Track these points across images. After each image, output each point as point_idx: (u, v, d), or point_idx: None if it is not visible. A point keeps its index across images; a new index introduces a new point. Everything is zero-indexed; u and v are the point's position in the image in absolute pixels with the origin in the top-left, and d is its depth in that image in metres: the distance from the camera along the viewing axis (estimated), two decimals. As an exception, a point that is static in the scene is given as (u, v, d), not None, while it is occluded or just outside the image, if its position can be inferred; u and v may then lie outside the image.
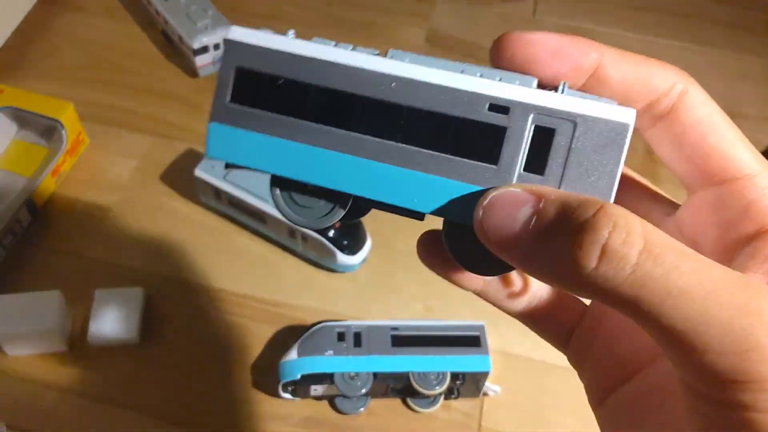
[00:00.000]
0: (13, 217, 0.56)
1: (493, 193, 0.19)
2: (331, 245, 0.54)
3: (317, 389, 0.49)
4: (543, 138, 0.19)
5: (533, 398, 0.51)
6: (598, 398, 0.24)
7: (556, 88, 0.20)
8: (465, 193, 0.20)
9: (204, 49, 0.68)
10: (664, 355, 0.21)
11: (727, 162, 0.20)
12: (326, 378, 0.48)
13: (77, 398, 0.50)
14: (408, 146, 0.20)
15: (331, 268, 0.57)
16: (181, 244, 0.59)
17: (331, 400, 0.51)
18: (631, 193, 0.23)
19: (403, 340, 0.49)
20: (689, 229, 0.21)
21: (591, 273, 0.16)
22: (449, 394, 0.50)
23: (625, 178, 0.22)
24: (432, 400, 0.51)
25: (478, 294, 0.25)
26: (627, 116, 0.19)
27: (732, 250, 0.20)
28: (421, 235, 0.23)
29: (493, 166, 0.19)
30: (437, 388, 0.48)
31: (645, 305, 0.16)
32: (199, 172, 0.57)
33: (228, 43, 0.21)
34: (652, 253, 0.16)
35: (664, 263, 0.16)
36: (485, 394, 0.51)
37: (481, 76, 0.20)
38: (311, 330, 0.50)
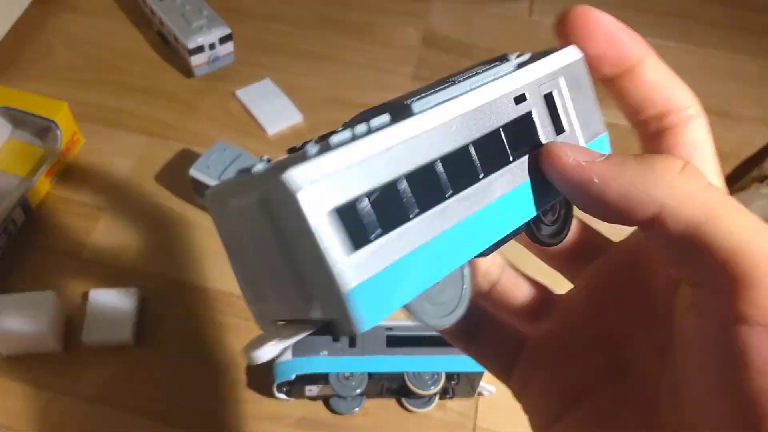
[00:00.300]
0: (7, 217, 0.56)
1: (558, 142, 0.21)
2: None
3: (312, 389, 0.49)
4: (549, 102, 0.21)
5: (528, 398, 0.51)
6: (544, 427, 0.24)
7: (502, 59, 0.22)
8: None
9: (199, 49, 0.68)
10: (615, 376, 0.22)
11: None
12: (321, 378, 0.48)
13: (72, 399, 0.50)
14: (491, 174, 0.20)
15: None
16: (175, 244, 0.59)
17: (325, 400, 0.51)
18: None
19: (397, 341, 0.49)
20: None
21: (674, 177, 0.18)
22: (444, 394, 0.50)
23: None
24: (427, 400, 0.51)
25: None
26: (575, 52, 0.22)
27: None
28: None
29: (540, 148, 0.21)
30: (432, 388, 0.48)
31: (718, 217, 0.18)
32: (194, 173, 0.57)
33: (287, 192, 0.16)
34: (720, 183, 0.18)
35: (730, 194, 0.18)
36: (480, 393, 0.51)
37: (481, 84, 0.20)
38: (306, 330, 0.50)
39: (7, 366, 0.51)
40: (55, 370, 0.51)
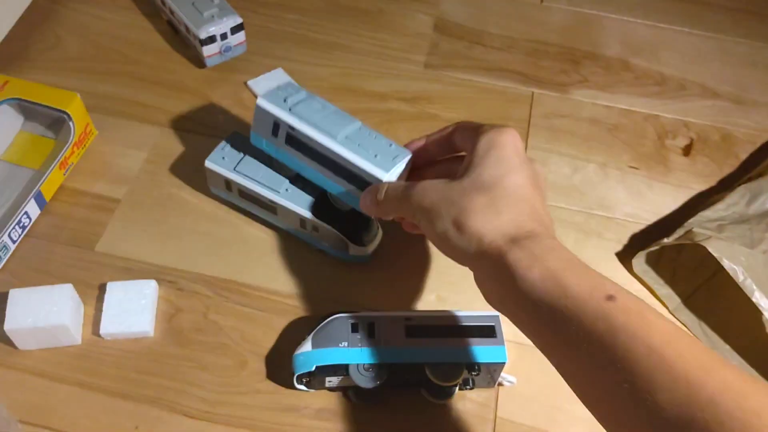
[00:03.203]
0: (21, 210, 0.56)
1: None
2: (342, 235, 0.54)
3: (332, 381, 0.49)
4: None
5: (549, 388, 0.51)
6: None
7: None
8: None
9: (211, 39, 0.67)
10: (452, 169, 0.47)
11: None
12: (341, 369, 0.48)
13: (90, 392, 0.50)
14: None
15: (343, 259, 0.57)
16: (191, 235, 0.58)
17: (345, 391, 0.50)
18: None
19: (417, 331, 0.49)
20: None
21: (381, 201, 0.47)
22: (464, 384, 0.50)
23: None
24: (447, 391, 0.50)
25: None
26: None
27: None
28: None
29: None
30: (452, 379, 0.48)
31: (407, 206, 0.44)
32: (210, 164, 0.57)
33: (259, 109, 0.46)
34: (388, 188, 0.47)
35: (398, 188, 0.46)
36: (500, 384, 0.51)
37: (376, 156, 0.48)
38: (325, 321, 0.50)
39: (25, 360, 0.51)
40: (73, 364, 0.51)
